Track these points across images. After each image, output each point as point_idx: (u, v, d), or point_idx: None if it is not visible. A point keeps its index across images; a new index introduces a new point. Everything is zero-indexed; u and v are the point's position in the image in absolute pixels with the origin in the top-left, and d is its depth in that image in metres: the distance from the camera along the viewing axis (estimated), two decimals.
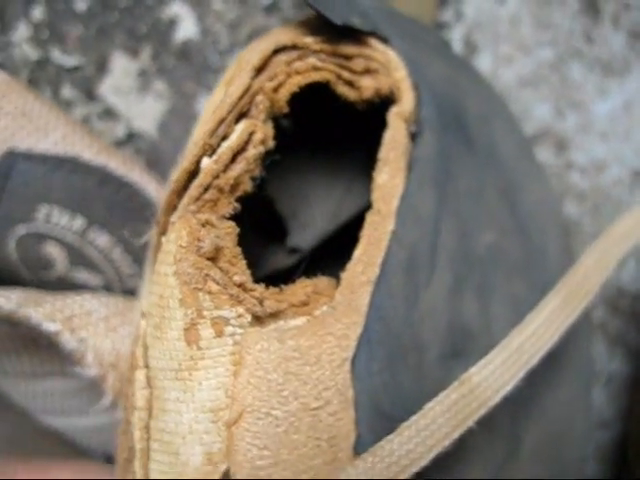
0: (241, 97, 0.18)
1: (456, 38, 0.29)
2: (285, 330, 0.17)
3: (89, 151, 0.27)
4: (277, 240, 0.23)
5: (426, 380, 0.19)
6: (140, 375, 0.18)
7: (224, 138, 0.18)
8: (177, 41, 0.30)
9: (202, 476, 0.17)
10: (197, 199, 0.17)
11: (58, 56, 0.29)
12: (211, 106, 0.19)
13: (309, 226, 0.22)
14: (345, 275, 0.17)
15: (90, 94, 0.30)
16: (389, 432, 0.17)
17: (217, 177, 0.17)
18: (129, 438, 0.19)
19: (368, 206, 0.21)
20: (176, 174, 0.18)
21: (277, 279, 0.21)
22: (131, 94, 0.30)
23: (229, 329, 0.17)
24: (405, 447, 0.17)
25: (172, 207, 0.18)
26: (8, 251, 0.27)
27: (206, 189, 0.17)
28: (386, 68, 0.20)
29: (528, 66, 0.30)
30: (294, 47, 0.19)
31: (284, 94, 0.18)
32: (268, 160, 0.18)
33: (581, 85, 0.30)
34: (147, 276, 0.21)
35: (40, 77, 0.29)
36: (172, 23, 0.29)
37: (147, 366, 0.18)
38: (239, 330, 0.17)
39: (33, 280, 0.27)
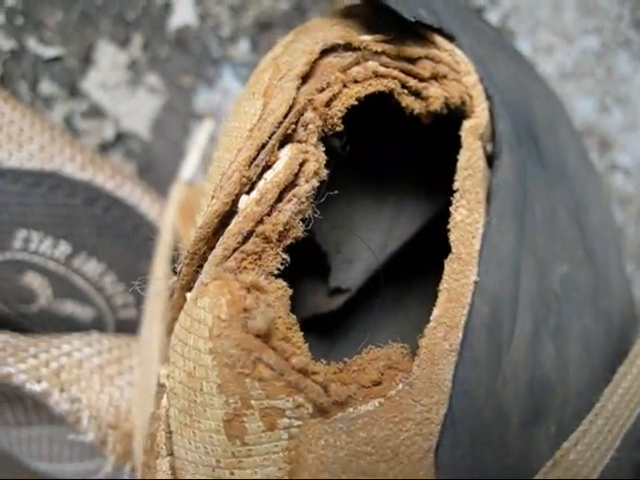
0: (286, 115, 0.14)
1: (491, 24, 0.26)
2: (354, 419, 0.13)
3: (71, 164, 0.22)
4: (316, 277, 0.19)
5: (508, 453, 0.16)
6: (163, 465, 0.14)
7: (266, 168, 0.14)
8: (172, 27, 0.25)
9: None
10: (235, 250, 0.13)
11: (35, 46, 0.25)
12: (241, 123, 0.15)
13: (355, 261, 0.18)
14: (424, 342, 0.14)
15: (73, 89, 0.25)
16: None
17: (261, 222, 0.13)
18: None
19: (419, 233, 0.18)
20: (204, 217, 0.14)
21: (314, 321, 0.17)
22: (120, 89, 0.26)
23: (284, 421, 0.13)
24: None
25: (199, 256, 0.14)
26: None
27: (246, 238, 0.13)
28: (456, 72, 0.16)
29: (571, 56, 0.27)
30: (348, 47, 0.15)
31: (339, 109, 0.14)
32: (321, 194, 0.14)
33: (629, 78, 0.27)
34: (157, 334, 0.17)
35: (14, 70, 0.25)
36: (166, 7, 0.25)
37: (172, 454, 0.14)
38: (296, 422, 0.13)
39: (11, 314, 0.23)
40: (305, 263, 0.19)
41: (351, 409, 0.13)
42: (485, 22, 0.21)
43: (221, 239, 0.13)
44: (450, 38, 0.16)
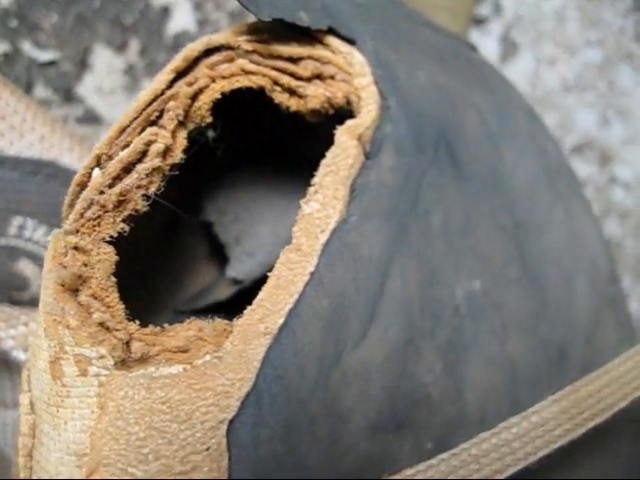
0: (150, 103, 0.15)
1: (493, 35, 0.25)
2: (155, 378, 0.14)
3: (69, 155, 0.24)
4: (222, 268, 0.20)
5: (346, 456, 0.16)
6: (25, 399, 0.17)
7: (124, 148, 0.15)
8: (170, 32, 0.26)
9: None
10: (81, 216, 0.15)
11: (30, 49, 0.25)
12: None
13: (255, 254, 0.19)
14: (240, 321, 0.15)
15: (68, 94, 0.26)
16: None
17: (102, 192, 0.15)
18: (15, 467, 0.17)
19: None
20: (70, 187, 0.16)
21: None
22: (116, 94, 0.27)
23: (93, 369, 0.14)
24: None
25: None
26: None
27: (89, 205, 0.15)
28: (346, 73, 0.16)
29: (573, 69, 0.25)
30: (227, 47, 0.16)
31: (205, 101, 0.16)
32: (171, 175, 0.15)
33: (630, 91, 0.25)
34: None
35: (8, 74, 0.26)
36: (164, 12, 0.26)
37: (30, 390, 0.17)
38: (104, 371, 0.14)
39: (3, 300, 0.24)
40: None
41: (153, 368, 0.14)
42: (441, 32, 0.20)
43: (75, 205, 0.15)
44: (350, 41, 0.17)
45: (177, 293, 0.21)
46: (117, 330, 0.14)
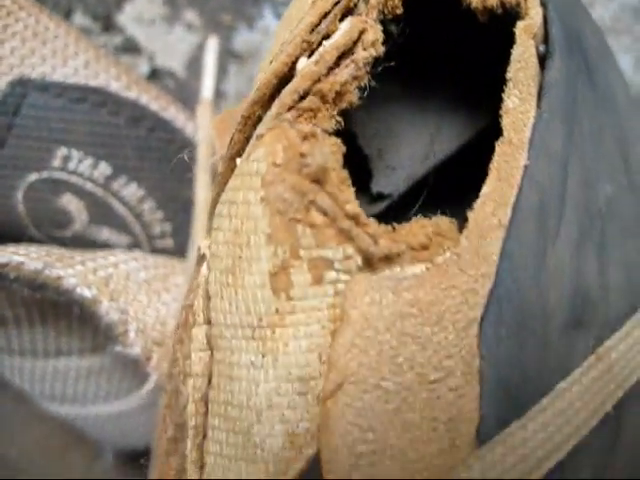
0: None
1: None
2: (401, 279, 0.13)
3: (117, 83, 0.22)
4: (358, 183, 0.19)
5: (550, 353, 0.15)
6: (199, 334, 0.14)
7: (326, 37, 0.14)
8: None
9: (281, 462, 0.13)
10: (291, 108, 0.13)
11: None
12: (297, 8, 0.15)
13: (398, 168, 0.18)
14: (473, 215, 0.14)
15: (107, 23, 0.25)
16: (514, 415, 0.14)
17: (318, 81, 0.13)
18: (177, 413, 0.15)
19: (461, 149, 0.18)
20: (262, 79, 0.14)
21: None
22: (156, 24, 0.26)
23: (331, 275, 0.13)
24: (540, 435, 0.14)
25: (252, 122, 0.14)
26: (13, 202, 0.22)
27: (303, 96, 0.13)
28: None
29: (609, 11, 0.27)
30: None
31: None
32: (379, 68, 0.14)
33: None
34: (202, 215, 0.17)
35: (47, 1, 0.24)
36: None
37: (209, 322, 0.14)
38: (343, 277, 0.13)
39: (42, 238, 0.23)
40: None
41: (398, 268, 0.13)
42: None
43: (277, 98, 0.14)
44: None
45: None
46: (366, 225, 0.13)
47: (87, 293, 0.20)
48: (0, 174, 0.21)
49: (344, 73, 0.13)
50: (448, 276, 0.13)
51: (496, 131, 0.15)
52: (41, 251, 0.20)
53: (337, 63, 0.14)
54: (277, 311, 0.13)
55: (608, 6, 0.26)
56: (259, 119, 0.14)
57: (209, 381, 0.14)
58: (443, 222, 0.14)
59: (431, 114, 0.19)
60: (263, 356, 0.13)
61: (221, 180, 0.15)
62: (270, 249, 0.13)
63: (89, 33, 0.25)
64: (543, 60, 0.16)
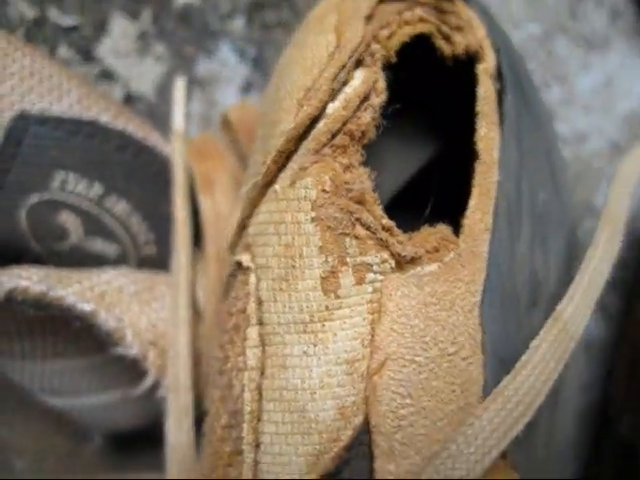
0: (359, 44, 0.17)
1: None
2: (422, 276, 0.17)
3: (106, 114, 0.25)
4: None
5: (521, 328, 0.20)
6: (253, 333, 0.17)
7: (344, 85, 0.17)
8: (178, 4, 0.29)
9: (333, 432, 0.16)
10: (325, 145, 0.16)
11: (55, 15, 0.27)
12: (310, 52, 0.18)
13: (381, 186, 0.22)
14: (467, 222, 0.18)
15: (88, 55, 0.28)
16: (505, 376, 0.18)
17: (346, 123, 0.17)
18: (232, 403, 0.18)
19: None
20: (294, 120, 0.17)
21: None
22: (130, 56, 0.28)
23: (370, 276, 0.16)
24: (526, 385, 0.18)
25: (285, 156, 0.17)
26: (16, 221, 0.24)
27: (334, 136, 0.17)
28: (470, 26, 0.20)
29: (516, 40, 0.32)
30: None
31: (395, 44, 0.18)
32: (389, 110, 0.18)
33: (565, 59, 0.33)
34: (183, 230, 0.20)
35: (36, 36, 0.27)
36: None
37: (260, 323, 0.17)
38: (380, 277, 0.16)
39: (42, 252, 0.25)
40: None
41: (419, 268, 0.17)
42: None
43: (310, 137, 0.17)
44: (466, 0, 0.21)
45: None
46: (397, 235, 0.16)
47: (87, 308, 0.22)
48: (6, 196, 0.23)
49: (366, 116, 0.17)
50: (454, 271, 0.17)
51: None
52: (41, 273, 0.22)
53: (358, 107, 0.17)
54: (327, 308, 0.16)
55: (514, 36, 0.31)
56: (290, 154, 0.17)
57: (262, 373, 0.17)
58: (445, 229, 0.18)
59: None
60: (315, 345, 0.16)
61: (251, 203, 0.18)
62: (322, 258, 0.16)
63: (71, 64, 0.28)
64: (500, 93, 0.20)
